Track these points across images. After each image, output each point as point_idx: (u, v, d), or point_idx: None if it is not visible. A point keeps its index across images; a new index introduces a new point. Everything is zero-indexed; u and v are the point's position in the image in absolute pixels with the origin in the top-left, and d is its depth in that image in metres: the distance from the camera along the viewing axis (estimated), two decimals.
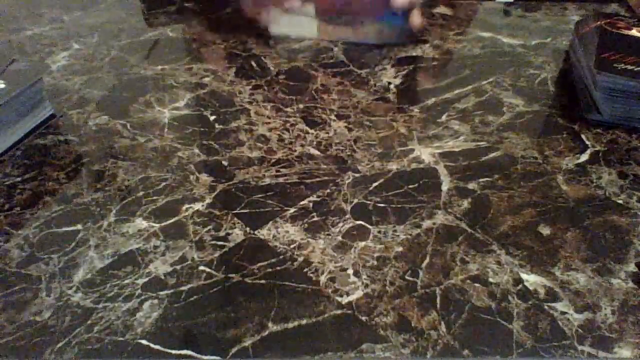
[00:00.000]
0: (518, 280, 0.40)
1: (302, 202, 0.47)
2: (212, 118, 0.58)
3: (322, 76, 0.65)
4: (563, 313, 0.37)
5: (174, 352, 0.35)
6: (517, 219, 0.45)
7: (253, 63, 0.68)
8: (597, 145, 0.54)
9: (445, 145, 0.54)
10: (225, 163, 0.51)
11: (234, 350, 0.35)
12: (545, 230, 0.44)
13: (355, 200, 0.47)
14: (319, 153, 0.53)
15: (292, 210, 0.46)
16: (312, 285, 0.39)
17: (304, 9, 0.70)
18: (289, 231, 0.44)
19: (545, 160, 0.52)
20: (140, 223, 0.45)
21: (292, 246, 0.43)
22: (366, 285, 0.39)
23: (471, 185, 0.49)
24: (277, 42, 0.72)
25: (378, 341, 0.36)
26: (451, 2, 0.84)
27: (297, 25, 0.72)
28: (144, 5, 0.84)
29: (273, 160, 0.52)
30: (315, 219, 0.45)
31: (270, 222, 0.45)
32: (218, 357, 0.35)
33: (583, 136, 0.55)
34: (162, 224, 0.45)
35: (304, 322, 0.37)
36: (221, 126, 0.56)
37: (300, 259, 0.41)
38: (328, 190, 0.48)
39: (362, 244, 0.43)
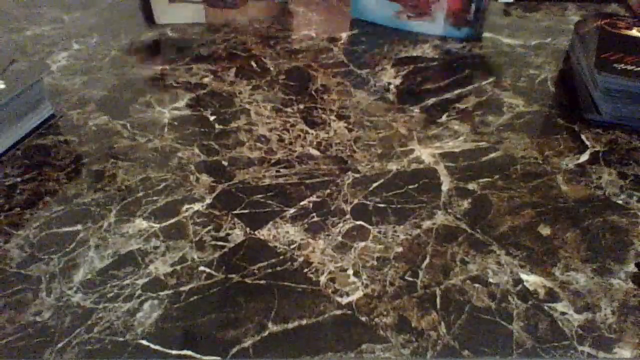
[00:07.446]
0: (518, 281, 0.40)
1: (302, 203, 0.47)
2: (212, 118, 0.58)
3: (322, 76, 0.65)
4: (563, 313, 0.37)
5: (174, 352, 0.35)
6: (517, 219, 0.45)
7: (253, 63, 0.68)
8: (597, 145, 0.54)
9: (445, 145, 0.54)
10: (225, 163, 0.51)
11: (234, 350, 0.35)
12: (545, 231, 0.44)
13: (355, 201, 0.47)
14: (319, 153, 0.53)
15: (292, 210, 0.46)
16: (312, 285, 0.39)
17: None
18: (289, 231, 0.44)
19: (545, 160, 0.52)
20: (141, 223, 0.45)
21: (292, 246, 0.43)
22: (366, 286, 0.39)
23: (471, 186, 0.49)
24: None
25: (378, 341, 0.36)
26: None
27: (184, 13, 0.73)
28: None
29: (273, 161, 0.52)
30: (315, 219, 0.45)
31: (270, 223, 0.45)
32: (218, 358, 0.35)
33: (583, 136, 0.55)
34: (162, 225, 0.45)
35: (303, 322, 0.37)
36: (221, 126, 0.57)
37: (300, 259, 0.41)
38: (328, 191, 0.48)
39: (362, 244, 0.43)
